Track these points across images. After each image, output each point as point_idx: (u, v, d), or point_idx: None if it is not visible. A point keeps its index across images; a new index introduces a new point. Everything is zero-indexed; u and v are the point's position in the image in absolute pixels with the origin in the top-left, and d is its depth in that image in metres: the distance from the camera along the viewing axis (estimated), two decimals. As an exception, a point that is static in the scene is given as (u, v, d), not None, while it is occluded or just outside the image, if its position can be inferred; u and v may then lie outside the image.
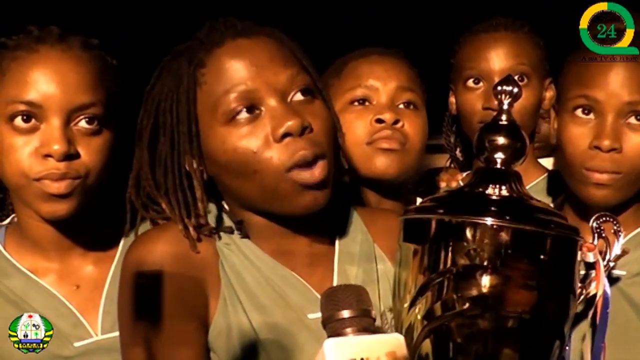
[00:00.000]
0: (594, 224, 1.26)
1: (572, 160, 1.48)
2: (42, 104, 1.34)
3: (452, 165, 2.08)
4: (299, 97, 1.24)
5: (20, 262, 1.44)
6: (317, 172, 1.20)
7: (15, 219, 1.49)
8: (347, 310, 1.02)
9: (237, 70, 1.22)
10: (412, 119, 1.61)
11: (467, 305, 1.07)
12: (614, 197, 1.45)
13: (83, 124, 1.37)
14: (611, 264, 1.27)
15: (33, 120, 1.35)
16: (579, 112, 1.47)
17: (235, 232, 1.29)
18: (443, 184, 1.94)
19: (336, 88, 1.63)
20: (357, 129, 1.58)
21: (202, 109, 1.25)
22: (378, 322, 1.24)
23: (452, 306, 1.08)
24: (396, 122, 1.58)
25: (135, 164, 1.33)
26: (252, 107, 1.22)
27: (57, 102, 1.35)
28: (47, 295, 1.42)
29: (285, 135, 1.20)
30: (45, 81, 1.35)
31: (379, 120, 1.58)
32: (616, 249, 1.27)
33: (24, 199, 1.39)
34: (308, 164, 1.20)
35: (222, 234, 1.29)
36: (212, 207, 1.32)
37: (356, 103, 1.62)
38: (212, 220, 1.30)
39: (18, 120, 1.35)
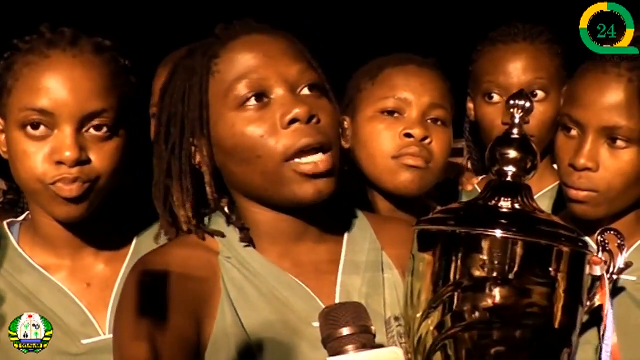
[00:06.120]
0: (599, 238, 1.23)
1: (559, 174, 1.49)
2: (54, 112, 1.31)
3: (469, 168, 2.04)
4: (307, 91, 1.23)
5: (33, 259, 1.42)
6: (321, 165, 1.19)
7: (30, 216, 1.46)
8: (346, 328, 0.99)
9: (249, 60, 1.22)
10: (440, 136, 1.57)
11: (478, 316, 1.05)
12: (594, 213, 1.43)
13: (95, 130, 1.34)
14: (614, 277, 1.24)
15: (45, 128, 1.32)
16: (565, 128, 1.46)
17: (239, 241, 1.26)
18: (460, 188, 1.92)
19: (369, 93, 1.59)
20: (385, 140, 1.55)
21: (214, 97, 1.24)
22: (383, 330, 1.22)
23: (464, 317, 1.06)
24: (425, 138, 1.54)
25: (155, 162, 1.31)
26: (262, 95, 1.21)
27: (69, 109, 1.32)
28: (58, 292, 1.40)
29: (293, 121, 1.18)
30: (57, 89, 1.32)
31: (408, 135, 1.54)
32: (620, 262, 1.24)
33: (39, 203, 1.37)
34: (313, 151, 1.19)
35: (223, 247, 1.26)
36: (221, 221, 1.29)
37: (386, 113, 1.57)
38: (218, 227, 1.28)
39: (31, 127, 1.33)
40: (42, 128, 1.33)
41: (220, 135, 1.23)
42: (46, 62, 1.34)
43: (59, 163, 1.32)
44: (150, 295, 1.19)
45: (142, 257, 1.27)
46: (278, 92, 1.21)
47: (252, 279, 1.24)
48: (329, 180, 1.20)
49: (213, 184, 1.27)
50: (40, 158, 1.32)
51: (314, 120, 1.20)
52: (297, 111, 1.18)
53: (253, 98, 1.21)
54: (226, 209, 1.29)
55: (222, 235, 1.27)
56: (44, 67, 1.33)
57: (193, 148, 1.26)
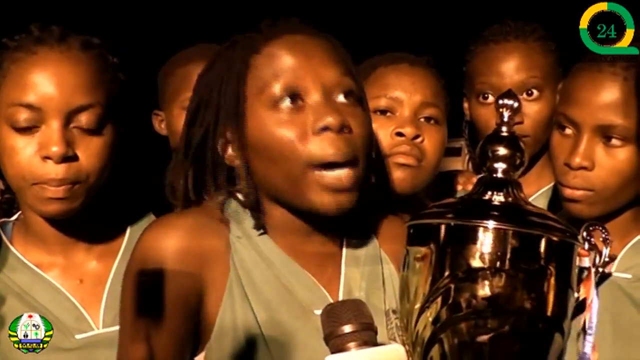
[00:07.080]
0: (584, 233, 1.23)
1: (554, 173, 1.49)
2: (41, 107, 1.31)
3: (469, 169, 2.02)
4: (343, 98, 1.21)
5: (26, 257, 1.42)
6: (344, 179, 1.17)
7: (22, 216, 1.45)
8: (348, 325, 1.00)
9: (288, 59, 1.20)
10: (432, 134, 1.57)
11: (474, 306, 1.07)
12: (589, 212, 1.43)
13: (82, 124, 1.34)
14: (600, 270, 1.24)
15: (32, 122, 1.32)
16: (560, 126, 1.47)
17: (252, 227, 1.25)
18: (460, 187, 1.90)
19: None
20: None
21: (250, 91, 1.21)
22: (383, 323, 1.23)
23: (461, 309, 1.07)
24: (416, 137, 1.54)
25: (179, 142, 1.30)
26: (296, 97, 1.19)
27: (55, 104, 1.31)
28: (51, 289, 1.40)
29: (324, 129, 1.17)
30: (44, 84, 1.31)
31: (400, 134, 1.54)
32: (605, 256, 1.23)
33: (26, 201, 1.36)
34: (337, 165, 1.17)
35: (233, 226, 1.24)
36: (234, 203, 1.27)
37: (379, 113, 1.56)
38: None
39: (18, 123, 1.32)
40: (31, 123, 1.32)
41: (251, 132, 1.21)
42: (33, 58, 1.33)
43: (46, 158, 1.31)
44: (155, 268, 1.18)
45: (142, 241, 1.23)
46: (313, 96, 1.19)
47: (259, 263, 1.23)
48: (350, 194, 1.19)
49: (249, 177, 1.24)
50: (27, 154, 1.32)
51: (346, 130, 1.18)
52: (330, 120, 1.17)
53: (287, 99, 1.19)
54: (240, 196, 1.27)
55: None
56: (30, 63, 1.33)
57: (221, 140, 1.24)
